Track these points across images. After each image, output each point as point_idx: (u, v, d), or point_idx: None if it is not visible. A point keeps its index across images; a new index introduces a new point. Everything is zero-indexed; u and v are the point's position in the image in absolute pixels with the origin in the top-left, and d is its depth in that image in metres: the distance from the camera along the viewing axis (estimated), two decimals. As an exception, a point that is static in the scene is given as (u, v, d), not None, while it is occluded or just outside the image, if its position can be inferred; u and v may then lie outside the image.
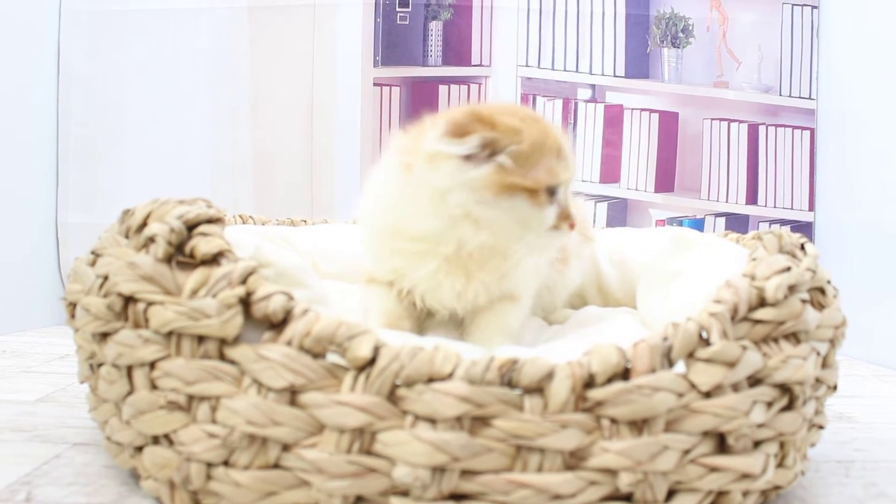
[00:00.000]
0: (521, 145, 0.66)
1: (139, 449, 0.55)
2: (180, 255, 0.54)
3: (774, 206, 1.47)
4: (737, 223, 1.47)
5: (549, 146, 0.67)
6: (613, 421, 0.48)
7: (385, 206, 0.72)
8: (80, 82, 1.45)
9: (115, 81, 1.46)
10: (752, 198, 1.47)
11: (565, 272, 0.86)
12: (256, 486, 0.49)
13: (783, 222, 1.46)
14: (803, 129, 1.46)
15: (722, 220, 1.48)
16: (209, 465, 0.50)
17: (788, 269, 0.56)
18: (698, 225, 1.48)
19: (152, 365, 0.53)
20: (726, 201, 1.48)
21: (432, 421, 0.47)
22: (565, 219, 0.69)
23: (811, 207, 1.46)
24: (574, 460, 0.48)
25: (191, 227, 0.55)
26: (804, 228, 1.45)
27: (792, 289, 0.55)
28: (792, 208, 1.46)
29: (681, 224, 1.47)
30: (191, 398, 0.51)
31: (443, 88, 1.46)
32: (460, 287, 0.72)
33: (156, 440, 0.53)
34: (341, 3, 1.44)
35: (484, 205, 0.67)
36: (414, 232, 0.70)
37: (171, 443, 0.52)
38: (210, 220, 0.55)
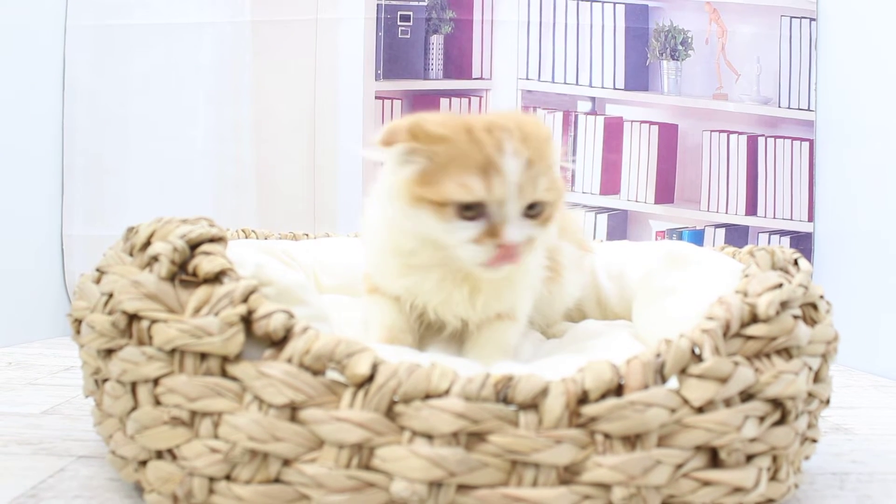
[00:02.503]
0: (436, 157, 0.64)
1: (143, 463, 0.55)
2: (183, 273, 0.55)
3: (774, 217, 1.48)
4: (736, 234, 1.48)
5: (471, 160, 0.63)
6: (607, 436, 0.49)
7: (383, 225, 0.73)
8: (85, 95, 1.47)
9: (119, 95, 1.48)
10: (751, 209, 1.48)
11: (557, 287, 0.86)
12: (258, 500, 0.50)
13: (783, 233, 1.47)
14: (802, 140, 1.47)
15: (722, 231, 1.48)
16: (211, 479, 0.51)
17: (780, 285, 0.56)
18: (698, 236, 1.48)
19: (156, 381, 0.54)
20: (726, 212, 1.49)
21: (429, 436, 0.48)
22: (491, 237, 0.64)
23: (811, 218, 1.46)
24: (568, 475, 0.49)
25: (193, 246, 0.56)
26: (804, 239, 1.45)
27: (784, 305, 0.56)
28: (791, 219, 1.47)
29: (681, 235, 1.48)
30: (193, 414, 0.52)
31: (444, 102, 1.47)
32: (469, 296, 0.72)
33: (159, 455, 0.54)
34: (343, 17, 1.46)
35: (402, 215, 0.67)
36: (405, 248, 0.71)
37: (174, 457, 0.53)
38: (212, 240, 0.57)
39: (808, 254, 1.43)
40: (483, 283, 0.72)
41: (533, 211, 0.66)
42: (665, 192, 1.49)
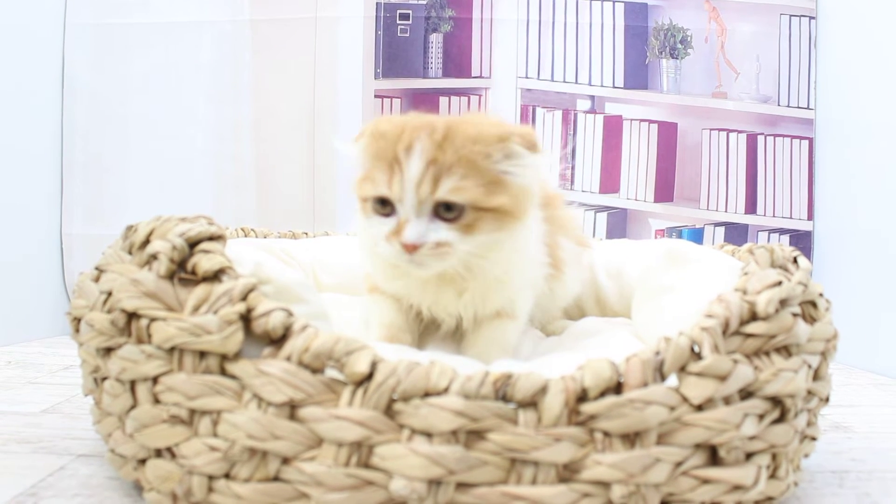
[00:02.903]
0: (371, 155, 0.66)
1: (142, 461, 0.56)
2: (182, 271, 0.55)
3: (773, 216, 1.48)
4: (736, 233, 1.48)
5: (386, 157, 0.64)
6: (606, 434, 0.49)
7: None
8: (85, 94, 1.47)
9: (118, 94, 1.48)
10: (751, 207, 1.48)
11: (559, 283, 0.86)
12: (257, 499, 0.50)
13: (782, 231, 1.47)
14: (802, 138, 1.47)
15: (721, 230, 1.48)
16: (210, 477, 0.51)
17: (779, 283, 0.56)
18: (698, 234, 1.48)
19: (155, 380, 0.54)
20: (725, 211, 1.48)
21: (428, 435, 0.48)
22: (394, 235, 0.65)
23: (810, 216, 1.46)
24: (567, 473, 0.49)
25: (192, 244, 0.56)
26: (803, 237, 1.45)
27: (783, 303, 0.56)
28: (791, 217, 1.47)
29: (680, 234, 1.48)
30: (192, 412, 0.52)
31: (443, 100, 1.47)
32: (457, 297, 0.72)
33: (158, 453, 0.54)
34: (342, 15, 1.46)
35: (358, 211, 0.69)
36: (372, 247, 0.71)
37: (173, 456, 0.53)
38: (211, 238, 0.57)
39: (807, 252, 1.43)
40: (469, 284, 0.71)
41: (450, 214, 0.65)
42: (664, 191, 1.49)
